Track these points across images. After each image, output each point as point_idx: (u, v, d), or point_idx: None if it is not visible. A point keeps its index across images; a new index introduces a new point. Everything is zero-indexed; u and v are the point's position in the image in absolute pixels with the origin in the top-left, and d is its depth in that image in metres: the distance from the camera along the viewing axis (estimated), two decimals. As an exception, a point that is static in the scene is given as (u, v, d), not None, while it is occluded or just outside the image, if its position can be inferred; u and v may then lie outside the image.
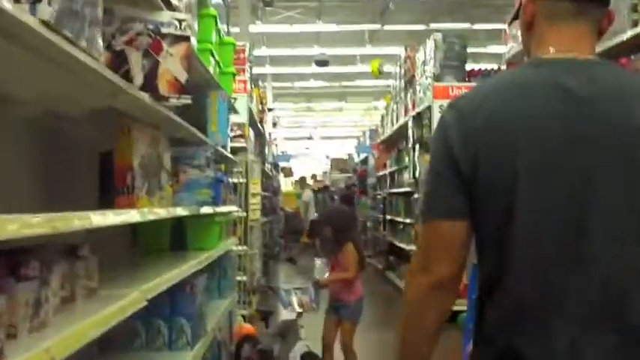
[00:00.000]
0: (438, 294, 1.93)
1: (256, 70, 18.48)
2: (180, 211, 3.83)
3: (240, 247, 8.79)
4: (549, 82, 1.87)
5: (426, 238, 1.97)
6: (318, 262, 6.78)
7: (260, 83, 17.45)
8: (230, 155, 6.07)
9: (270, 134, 18.66)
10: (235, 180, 8.40)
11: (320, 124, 39.53)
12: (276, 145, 22.56)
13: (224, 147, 5.78)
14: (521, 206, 1.80)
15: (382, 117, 16.13)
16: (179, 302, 3.96)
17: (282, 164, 23.29)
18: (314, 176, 30.96)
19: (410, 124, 11.15)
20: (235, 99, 9.24)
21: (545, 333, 1.80)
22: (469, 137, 1.86)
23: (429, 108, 9.75)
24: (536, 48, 2.00)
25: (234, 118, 9.27)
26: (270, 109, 25.31)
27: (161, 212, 3.24)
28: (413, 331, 2.02)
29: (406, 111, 12.22)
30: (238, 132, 9.28)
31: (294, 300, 5.75)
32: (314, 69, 26.15)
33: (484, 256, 1.96)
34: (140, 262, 4.16)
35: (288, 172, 27.19)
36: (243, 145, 9.25)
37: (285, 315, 6.34)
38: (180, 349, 3.95)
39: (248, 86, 9.77)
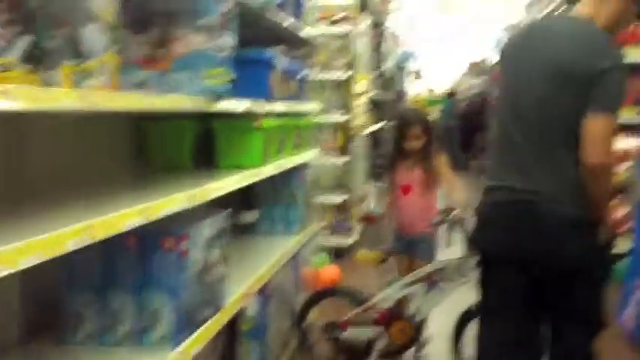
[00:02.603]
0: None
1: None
2: (154, 103, 2.10)
3: (339, 159, 7.06)
4: (543, 28, 3.10)
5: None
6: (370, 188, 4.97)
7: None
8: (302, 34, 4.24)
9: (399, 32, 16.61)
10: (329, 75, 6.56)
11: (456, 26, 36.90)
12: (406, 45, 20.33)
13: (295, 15, 3.97)
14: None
15: (527, 6, 13.76)
16: (153, 266, 2.28)
17: (409, 65, 21.14)
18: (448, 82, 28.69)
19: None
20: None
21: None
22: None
23: None
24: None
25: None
26: (400, 8, 23.17)
27: (52, 102, 1.52)
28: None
29: (558, 4, 10.01)
30: (342, 14, 7.41)
31: None
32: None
33: None
34: (115, 189, 2.46)
35: (417, 75, 24.98)
36: (348, 30, 7.36)
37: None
38: (155, 344, 2.28)
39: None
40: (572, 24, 2.95)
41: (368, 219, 4.46)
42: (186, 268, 2.29)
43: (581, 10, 2.95)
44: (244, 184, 3.01)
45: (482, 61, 23.11)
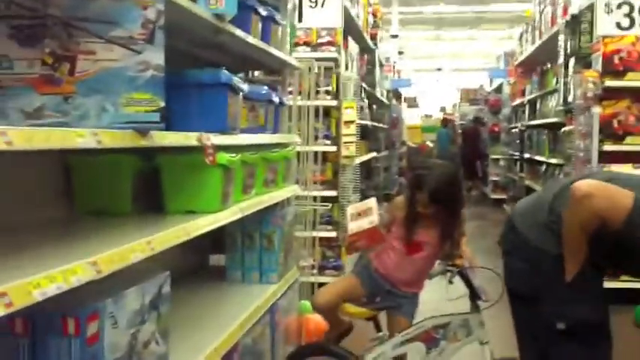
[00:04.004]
0: None
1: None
2: (48, 138, 1.55)
3: (324, 193, 6.49)
4: None
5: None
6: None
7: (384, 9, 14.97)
8: (277, 52, 3.69)
9: (392, 60, 16.16)
10: (312, 103, 5.98)
11: (450, 55, 36.50)
12: (399, 73, 19.87)
13: (243, 25, 3.41)
14: None
15: (521, 35, 13.29)
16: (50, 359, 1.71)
17: (404, 92, 20.69)
18: (443, 109, 28.22)
19: (561, 35, 8.43)
20: (324, -6, 6.95)
21: None
22: None
23: (589, 8, 7.03)
24: None
25: (323, 21, 6.95)
26: (394, 36, 22.77)
27: None
28: None
29: (553, 21, 9.51)
30: (327, 38, 6.89)
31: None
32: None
33: None
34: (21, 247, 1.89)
35: (412, 103, 24.56)
36: (333, 55, 6.84)
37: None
38: None
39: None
40: None
41: (373, 235, 3.77)
42: (98, 358, 1.72)
43: None
44: (195, 234, 2.44)
45: (480, 88, 22.71)
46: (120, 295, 1.84)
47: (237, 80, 2.82)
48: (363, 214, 3.83)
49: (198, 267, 4.06)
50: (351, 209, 3.95)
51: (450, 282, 3.53)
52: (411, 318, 3.86)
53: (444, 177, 3.76)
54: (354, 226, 3.80)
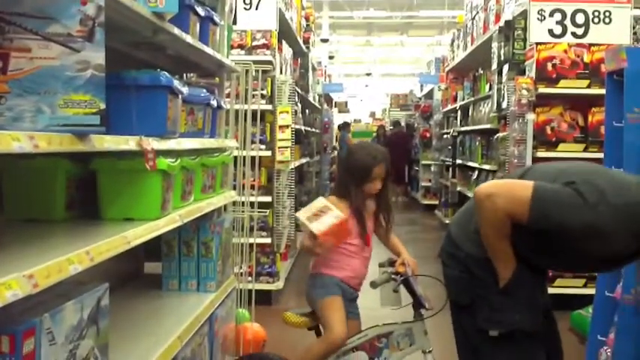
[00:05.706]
0: None
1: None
2: None
3: (259, 199, 6.36)
4: None
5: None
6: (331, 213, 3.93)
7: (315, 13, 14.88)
8: (214, 53, 3.57)
9: (322, 64, 16.12)
10: (247, 107, 5.84)
11: (380, 60, 36.69)
12: (329, 77, 19.84)
13: (186, 27, 3.32)
14: None
15: (452, 41, 13.37)
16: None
17: (334, 97, 20.69)
18: (372, 114, 28.32)
19: (494, 42, 8.49)
20: (260, -5, 6.85)
21: None
22: None
23: (522, 14, 7.09)
24: None
25: (257, 24, 6.85)
26: (325, 40, 22.77)
27: None
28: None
29: (485, 28, 9.60)
30: (262, 40, 6.80)
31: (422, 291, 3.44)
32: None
33: None
34: None
35: (342, 108, 24.60)
36: (268, 58, 6.73)
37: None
38: None
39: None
40: None
41: (341, 228, 3.60)
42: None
43: None
44: (135, 243, 2.33)
45: (410, 93, 22.89)
46: (57, 309, 1.72)
47: (177, 83, 2.71)
48: (321, 214, 3.68)
49: (134, 275, 3.91)
50: (302, 214, 3.75)
51: (395, 291, 3.47)
52: (359, 321, 3.78)
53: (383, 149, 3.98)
54: (320, 226, 3.61)
